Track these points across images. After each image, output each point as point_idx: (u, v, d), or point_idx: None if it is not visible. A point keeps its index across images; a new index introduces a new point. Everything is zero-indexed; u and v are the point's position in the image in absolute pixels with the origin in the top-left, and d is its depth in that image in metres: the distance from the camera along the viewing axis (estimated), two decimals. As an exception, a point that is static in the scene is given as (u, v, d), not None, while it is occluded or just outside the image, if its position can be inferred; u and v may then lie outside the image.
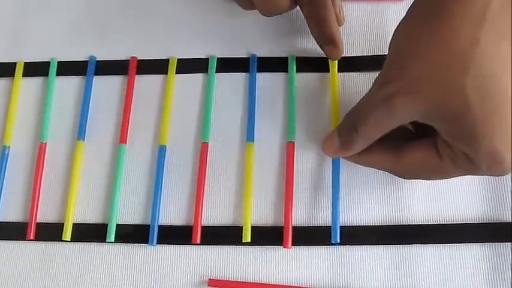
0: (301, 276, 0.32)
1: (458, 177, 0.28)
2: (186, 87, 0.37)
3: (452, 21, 0.24)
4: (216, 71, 0.37)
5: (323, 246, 0.33)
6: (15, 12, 0.41)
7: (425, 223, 0.33)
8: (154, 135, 0.36)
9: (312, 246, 0.33)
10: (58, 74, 0.38)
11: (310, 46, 0.37)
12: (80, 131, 0.36)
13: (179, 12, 0.40)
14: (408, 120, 0.27)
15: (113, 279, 0.33)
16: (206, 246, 0.33)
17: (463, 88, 0.24)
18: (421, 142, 0.28)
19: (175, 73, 0.38)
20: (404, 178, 0.31)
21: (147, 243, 0.33)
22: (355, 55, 0.37)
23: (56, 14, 0.41)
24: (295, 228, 0.33)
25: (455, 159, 0.26)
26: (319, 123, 0.35)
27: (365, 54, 0.37)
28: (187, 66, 0.38)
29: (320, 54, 0.37)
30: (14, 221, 0.35)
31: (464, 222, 0.32)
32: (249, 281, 0.32)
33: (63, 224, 0.34)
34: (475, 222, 0.32)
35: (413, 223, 0.33)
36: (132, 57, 0.38)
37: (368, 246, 0.32)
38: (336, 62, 0.37)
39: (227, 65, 0.38)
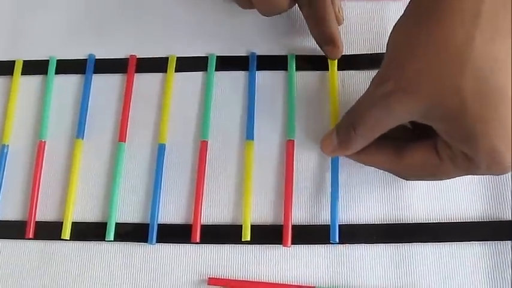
0: (300, 274, 0.32)
1: (459, 176, 0.28)
2: (186, 85, 0.37)
3: (448, 20, 0.24)
4: (216, 69, 0.37)
5: (323, 245, 0.33)
6: (14, 10, 0.41)
7: (425, 221, 0.33)
8: (154, 133, 0.36)
9: (311, 245, 0.33)
10: (57, 72, 0.38)
11: (310, 44, 0.37)
12: (79, 130, 0.36)
13: (179, 10, 0.40)
14: (406, 120, 0.27)
15: (112, 278, 0.33)
16: (206, 244, 0.33)
17: (460, 87, 0.24)
18: (421, 143, 0.28)
19: (175, 71, 0.38)
20: (406, 179, 0.31)
21: (146, 242, 0.33)
22: (354, 53, 0.37)
23: (55, 12, 0.41)
24: (294, 227, 0.33)
25: (454, 159, 0.26)
26: (319, 121, 0.35)
27: (364, 53, 0.37)
28: (186, 64, 0.38)
29: (320, 52, 0.36)
30: (13, 219, 0.35)
31: (464, 220, 0.32)
32: (248, 279, 0.32)
33: (62, 222, 0.34)
34: (475, 220, 0.32)
35: (413, 221, 0.33)
36: (131, 55, 0.38)
37: (368, 244, 0.32)
38: (336, 60, 0.37)
39: (227, 63, 0.38)
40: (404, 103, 0.25)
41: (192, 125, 0.36)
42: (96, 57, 0.38)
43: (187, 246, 0.33)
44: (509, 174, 0.33)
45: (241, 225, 0.33)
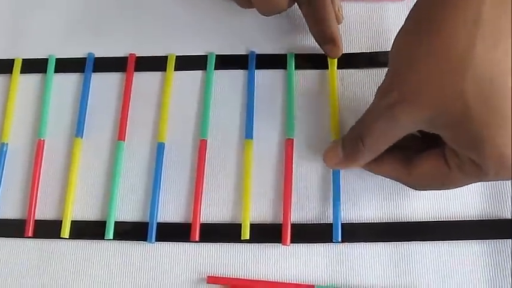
0: (300, 273, 0.32)
1: (467, 184, 0.28)
2: (185, 84, 0.37)
3: (448, 28, 0.24)
4: (215, 68, 0.37)
5: (322, 244, 0.33)
6: (13, 8, 0.41)
7: (424, 220, 0.33)
8: (153, 132, 0.36)
9: (310, 244, 0.33)
10: (56, 70, 0.38)
11: (309, 43, 0.37)
12: (78, 128, 0.36)
13: (178, 9, 0.40)
14: (412, 130, 0.27)
15: (111, 276, 0.33)
16: (205, 243, 0.33)
17: (463, 93, 0.24)
18: (429, 152, 0.28)
19: (174, 70, 0.37)
20: (416, 189, 0.31)
21: (145, 240, 0.33)
22: (354, 52, 0.37)
23: (54, 10, 0.40)
24: (294, 226, 0.33)
25: (462, 166, 0.26)
26: (318, 120, 0.35)
27: (364, 51, 0.37)
28: (185, 63, 0.38)
29: (319, 51, 0.36)
30: (12, 218, 0.35)
31: (464, 219, 0.32)
32: (247, 278, 0.32)
33: (61, 221, 0.34)
34: (475, 219, 0.32)
35: (413, 220, 0.33)
36: (131, 54, 0.38)
37: (367, 243, 0.32)
38: (335, 59, 0.36)
39: (226, 62, 0.38)
40: (409, 113, 0.25)
41: (191, 123, 0.36)
42: (96, 56, 0.38)
43: (186, 244, 0.33)
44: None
45: (241, 224, 0.33)
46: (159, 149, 0.35)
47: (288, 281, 0.32)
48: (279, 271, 0.32)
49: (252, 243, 0.33)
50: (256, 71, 0.37)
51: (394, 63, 0.27)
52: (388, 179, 0.32)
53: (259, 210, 0.34)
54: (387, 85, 0.27)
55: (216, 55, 0.38)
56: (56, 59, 0.39)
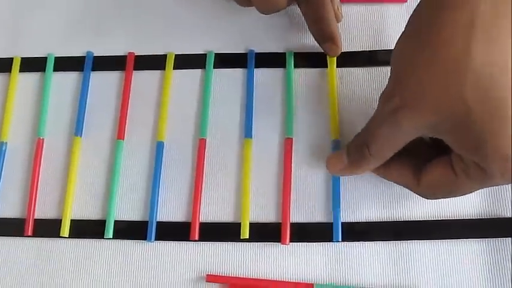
0: (299, 272, 0.32)
1: (475, 190, 0.28)
2: (184, 82, 0.37)
3: (445, 31, 0.24)
4: (214, 67, 0.37)
5: (321, 243, 0.33)
6: (12, 7, 0.41)
7: (424, 219, 0.33)
8: (152, 131, 0.36)
9: (310, 243, 0.33)
10: (55, 69, 0.38)
11: (308, 41, 0.37)
12: (78, 127, 0.36)
13: (177, 8, 0.39)
14: (416, 135, 0.27)
15: (111, 275, 0.33)
16: (204, 242, 0.33)
17: (463, 96, 0.24)
18: (438, 160, 0.28)
19: (173, 69, 0.37)
20: (427, 198, 0.30)
21: (145, 239, 0.33)
22: (353, 50, 0.37)
23: (53, 9, 0.40)
24: (293, 225, 0.33)
25: (467, 171, 0.26)
26: (318, 119, 0.35)
27: (363, 50, 0.37)
28: (185, 61, 0.38)
29: (318, 49, 0.36)
30: (12, 217, 0.35)
31: (463, 218, 0.32)
32: (247, 277, 0.32)
33: (61, 220, 0.34)
34: (475, 217, 0.32)
35: (412, 219, 0.33)
36: (130, 52, 0.38)
37: (366, 242, 0.32)
38: (335, 57, 0.36)
39: (225, 60, 0.37)
40: (411, 118, 0.25)
41: (191, 122, 0.36)
42: (95, 55, 0.38)
43: (185, 243, 0.33)
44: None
45: (240, 223, 0.33)
46: (159, 148, 0.35)
47: (287, 280, 0.32)
48: (278, 270, 0.32)
49: (251, 242, 0.33)
50: (255, 69, 0.37)
51: (396, 68, 0.27)
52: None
53: (258, 209, 0.34)
54: (389, 91, 0.27)
55: (215, 54, 0.38)
56: (55, 57, 0.38)
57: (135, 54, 0.38)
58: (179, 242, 0.33)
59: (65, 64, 0.38)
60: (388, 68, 0.28)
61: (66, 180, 0.35)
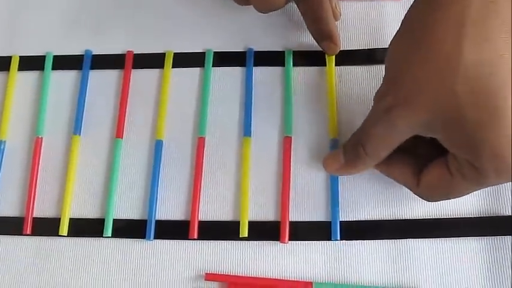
0: (298, 270, 0.32)
1: (471, 191, 0.28)
2: (183, 81, 0.37)
3: (436, 30, 0.25)
4: (213, 65, 0.37)
5: (320, 241, 0.33)
6: (11, 5, 0.41)
7: (423, 217, 0.33)
8: (151, 129, 0.36)
9: (309, 241, 0.33)
10: (54, 68, 0.38)
11: (307, 40, 0.37)
12: (76, 126, 0.36)
13: (175, 6, 0.39)
14: (410, 134, 0.27)
15: (110, 273, 0.33)
16: (203, 241, 0.33)
17: (455, 94, 0.24)
18: (435, 161, 0.28)
19: (172, 67, 0.37)
20: (426, 200, 0.30)
21: (144, 238, 0.33)
22: (352, 49, 0.37)
23: (51, 7, 0.40)
24: (292, 223, 0.33)
25: (461, 170, 0.26)
26: (316, 117, 0.35)
27: (362, 48, 0.37)
28: (183, 60, 0.38)
29: (317, 48, 0.36)
30: (11, 215, 0.35)
31: (463, 216, 0.32)
32: (246, 275, 0.32)
33: (59, 218, 0.34)
34: (475, 216, 0.32)
35: (411, 218, 0.33)
36: (128, 51, 0.38)
37: (365, 240, 0.32)
38: (333, 55, 0.36)
39: (224, 59, 0.37)
40: (405, 117, 0.26)
41: (190, 121, 0.36)
42: (93, 53, 0.38)
43: (185, 242, 0.33)
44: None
45: (239, 222, 0.33)
46: (157, 147, 0.35)
47: (286, 278, 0.32)
48: (277, 268, 0.32)
49: (250, 241, 0.33)
50: (254, 68, 0.37)
51: (390, 67, 0.27)
52: (387, 177, 0.32)
53: (257, 207, 0.34)
54: (383, 89, 0.27)
55: (214, 52, 0.38)
56: (54, 56, 0.38)
57: (134, 53, 0.38)
58: (178, 240, 0.33)
59: (63, 63, 0.38)
60: (387, 67, 0.28)
61: (65, 178, 0.35)
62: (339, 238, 0.32)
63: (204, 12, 0.39)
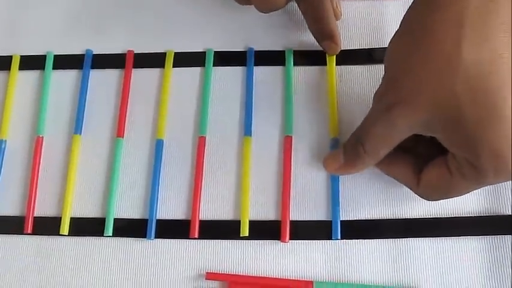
0: (298, 269, 0.32)
1: (471, 190, 0.28)
2: (183, 80, 0.37)
3: (436, 30, 0.25)
4: (213, 65, 0.37)
5: (320, 240, 0.33)
6: (11, 5, 0.41)
7: (423, 217, 0.33)
8: (152, 129, 0.36)
9: (309, 240, 0.33)
10: (55, 67, 0.38)
11: (308, 39, 0.37)
12: (77, 125, 0.36)
13: (176, 5, 0.39)
14: (409, 133, 0.27)
15: (110, 273, 0.33)
16: (204, 240, 0.33)
17: (454, 93, 0.24)
18: (436, 160, 0.28)
19: (172, 67, 0.37)
20: (427, 199, 0.30)
21: (145, 237, 0.33)
22: (352, 48, 0.37)
23: (52, 7, 0.40)
24: (292, 223, 0.33)
25: (461, 169, 0.26)
26: (317, 117, 0.35)
27: (363, 47, 0.37)
28: (184, 59, 0.38)
29: (317, 47, 0.36)
30: (11, 215, 0.35)
31: (463, 215, 0.32)
32: (246, 274, 0.32)
33: (60, 218, 0.34)
34: (475, 215, 0.32)
35: (412, 217, 0.33)
36: (129, 50, 0.38)
37: (366, 240, 0.32)
38: (334, 55, 0.36)
39: (224, 58, 0.37)
40: (404, 116, 0.26)
41: (190, 120, 0.36)
42: (94, 53, 0.38)
43: (185, 241, 0.33)
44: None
45: (240, 221, 0.33)
46: (158, 146, 0.35)
47: (286, 278, 0.32)
48: (277, 268, 0.32)
49: (251, 240, 0.33)
50: (254, 67, 0.37)
51: (389, 67, 0.28)
52: (387, 176, 0.32)
53: (258, 207, 0.34)
54: (383, 89, 0.28)
55: (215, 52, 0.38)
56: (54, 55, 0.38)
57: (135, 52, 0.38)
58: (179, 239, 0.33)
59: (64, 62, 0.38)
60: (388, 66, 0.28)
61: (65, 178, 0.35)
62: (339, 237, 0.32)
63: (205, 12, 0.39)
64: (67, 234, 0.34)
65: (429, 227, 0.32)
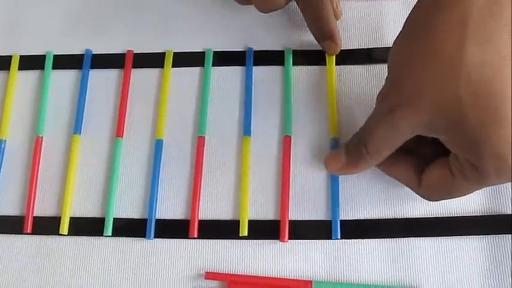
0: (297, 269, 0.32)
1: (473, 191, 0.28)
2: (183, 80, 0.37)
3: (439, 30, 0.25)
4: (213, 65, 0.37)
5: (320, 240, 0.33)
6: (11, 4, 0.41)
7: (424, 216, 0.33)
8: (151, 129, 0.36)
9: (308, 240, 0.33)
10: (54, 67, 0.38)
11: (307, 39, 0.37)
12: (77, 125, 0.36)
13: (175, 5, 0.39)
14: (412, 134, 0.27)
15: (110, 272, 0.33)
16: (203, 240, 0.33)
17: (457, 94, 0.24)
18: (437, 161, 0.28)
19: (172, 67, 0.37)
20: (428, 199, 0.30)
21: (144, 237, 0.33)
22: (352, 48, 0.37)
23: (52, 7, 0.40)
24: (292, 222, 0.33)
25: (463, 171, 0.26)
26: (316, 116, 0.35)
27: (362, 47, 0.37)
28: (183, 59, 0.38)
29: (317, 47, 0.36)
30: (11, 214, 0.35)
31: (464, 214, 0.32)
32: (245, 274, 0.32)
33: (60, 217, 0.34)
34: (475, 214, 0.32)
35: (412, 216, 0.33)
36: (128, 50, 0.38)
37: (365, 239, 0.32)
38: (334, 55, 0.36)
39: (223, 58, 0.37)
40: (407, 118, 0.26)
41: (189, 120, 0.36)
42: (93, 53, 0.38)
43: (185, 241, 0.33)
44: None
45: (239, 221, 0.33)
46: (157, 146, 0.35)
47: (286, 277, 0.32)
48: (277, 267, 0.32)
49: (250, 240, 0.33)
50: (254, 67, 0.37)
51: (392, 67, 0.28)
52: (387, 176, 0.32)
53: (257, 206, 0.34)
54: (386, 90, 0.27)
55: (214, 51, 0.38)
56: (54, 55, 0.38)
57: (134, 52, 0.38)
58: (178, 239, 0.33)
59: (63, 62, 0.38)
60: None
61: (65, 178, 0.35)
62: (339, 237, 0.32)
63: (204, 12, 0.39)
64: (66, 234, 0.34)
65: (429, 226, 0.32)
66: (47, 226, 0.34)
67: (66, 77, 0.38)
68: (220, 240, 0.33)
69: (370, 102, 0.35)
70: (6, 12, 0.41)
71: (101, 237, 0.34)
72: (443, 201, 0.33)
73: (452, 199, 0.32)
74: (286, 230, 0.32)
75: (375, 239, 0.32)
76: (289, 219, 0.33)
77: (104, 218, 0.34)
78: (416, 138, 0.27)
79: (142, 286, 0.32)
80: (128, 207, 0.34)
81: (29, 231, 0.34)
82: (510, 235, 0.32)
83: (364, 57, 0.37)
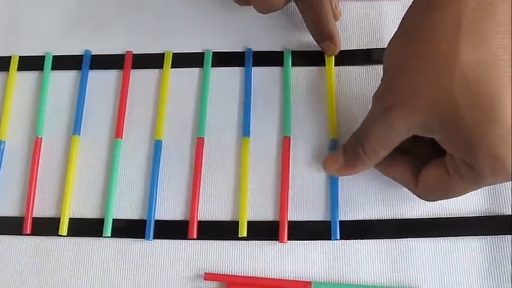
0: (297, 270, 0.32)
1: (469, 191, 0.28)
2: (182, 81, 0.37)
3: (433, 29, 0.25)
4: (212, 65, 0.37)
5: (319, 241, 0.33)
6: (10, 5, 0.41)
7: (423, 217, 0.33)
8: (150, 129, 0.36)
9: (308, 241, 0.33)
10: (53, 68, 0.38)
11: (306, 40, 0.37)
12: (76, 126, 0.36)
13: (175, 6, 0.39)
14: (408, 134, 0.27)
15: (109, 273, 0.33)
16: (202, 240, 0.33)
17: (452, 96, 0.24)
18: (433, 162, 0.28)
19: (171, 67, 0.37)
20: (425, 199, 0.30)
21: (143, 238, 0.33)
22: (351, 49, 0.37)
23: (51, 7, 0.40)
24: (291, 223, 0.33)
25: (458, 171, 0.26)
26: (316, 117, 0.35)
27: (361, 48, 0.37)
28: (182, 60, 0.38)
29: (316, 47, 0.36)
30: (10, 215, 0.35)
31: (463, 215, 0.32)
32: (245, 275, 0.32)
33: (59, 218, 0.34)
34: (475, 215, 0.32)
35: (411, 217, 0.33)
36: (128, 51, 0.38)
37: (365, 240, 0.32)
38: (333, 55, 0.36)
39: (223, 59, 0.37)
40: (402, 118, 0.26)
41: (189, 121, 0.36)
42: (93, 53, 0.38)
43: (184, 242, 0.33)
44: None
45: (238, 222, 0.33)
46: (157, 147, 0.35)
47: (285, 278, 0.32)
48: (276, 268, 0.32)
49: (249, 241, 0.33)
50: (253, 68, 0.37)
51: (387, 68, 0.28)
52: (386, 177, 0.32)
53: (256, 207, 0.34)
54: (382, 90, 0.28)
55: (213, 52, 0.38)
56: (53, 56, 0.38)
57: (133, 53, 0.38)
58: (177, 240, 0.33)
59: (63, 63, 0.38)
60: (386, 67, 0.28)
61: (64, 178, 0.35)
62: (338, 237, 0.32)
63: (203, 13, 0.39)
64: (66, 234, 0.34)
65: (428, 227, 0.32)
66: (46, 227, 0.34)
67: (66, 78, 0.38)
68: (220, 241, 0.33)
69: (369, 103, 0.35)
70: (5, 12, 0.41)
71: (100, 238, 0.34)
72: (442, 201, 0.33)
73: (451, 199, 0.32)
74: (285, 231, 0.32)
75: (374, 240, 0.32)
76: (289, 220, 0.33)
77: (103, 219, 0.34)
78: (412, 138, 0.27)
79: (142, 287, 0.32)
80: (127, 208, 0.34)
81: (28, 232, 0.34)
82: (510, 236, 0.32)
83: (364, 58, 0.37)
